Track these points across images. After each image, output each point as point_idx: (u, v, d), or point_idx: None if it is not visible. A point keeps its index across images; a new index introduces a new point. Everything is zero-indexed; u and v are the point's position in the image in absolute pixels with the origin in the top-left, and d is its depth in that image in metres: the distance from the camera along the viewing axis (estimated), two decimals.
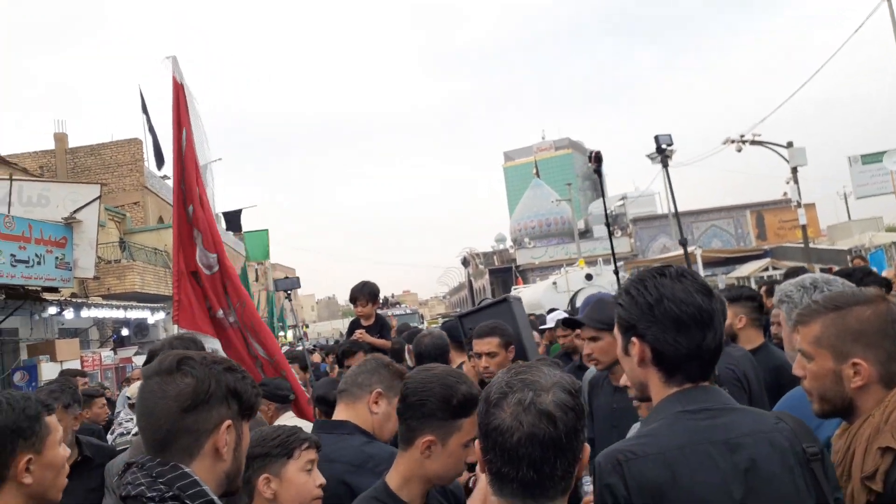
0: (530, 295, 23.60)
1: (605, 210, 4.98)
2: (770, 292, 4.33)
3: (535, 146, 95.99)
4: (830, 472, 1.61)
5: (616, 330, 1.72)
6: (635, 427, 1.96)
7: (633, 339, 1.64)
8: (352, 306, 5.61)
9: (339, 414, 2.52)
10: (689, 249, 26.17)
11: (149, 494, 1.42)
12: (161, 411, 1.49)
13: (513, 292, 31.62)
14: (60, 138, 26.79)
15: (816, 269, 21.52)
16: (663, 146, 3.24)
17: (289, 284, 5.37)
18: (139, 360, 18.26)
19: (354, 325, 5.53)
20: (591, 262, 31.27)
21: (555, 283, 23.43)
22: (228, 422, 1.53)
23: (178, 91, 4.70)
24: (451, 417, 1.90)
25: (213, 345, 4.38)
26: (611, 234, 5.30)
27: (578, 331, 3.55)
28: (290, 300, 5.48)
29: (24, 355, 15.47)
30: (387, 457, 2.18)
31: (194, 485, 1.45)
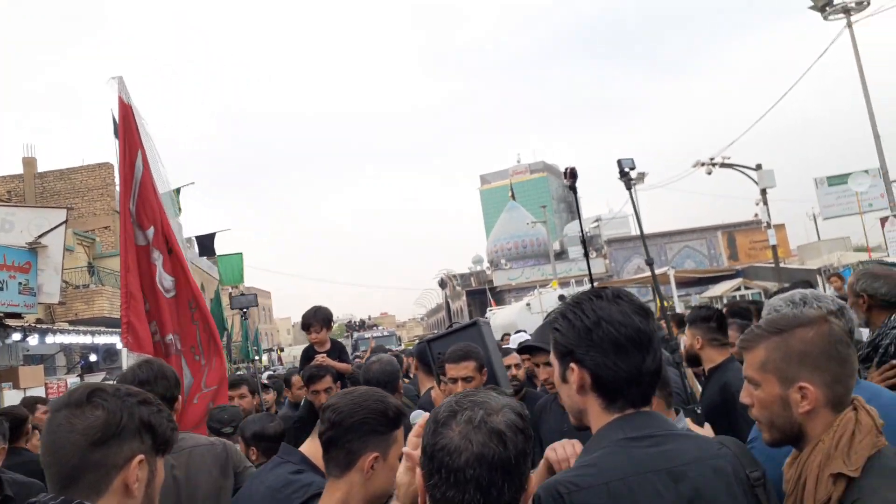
0: (505, 316, 23.63)
1: (581, 229, 4.96)
2: (733, 314, 4.37)
3: (510, 169, 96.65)
4: (773, 498, 1.57)
5: (553, 356, 1.67)
6: None
7: (572, 364, 1.58)
8: (308, 335, 5.44)
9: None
10: (663, 270, 26.61)
11: None
12: (68, 445, 1.41)
13: (488, 314, 31.71)
14: (29, 162, 26.44)
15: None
16: (626, 169, 3.24)
17: (244, 302, 5.12)
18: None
19: (309, 352, 5.41)
20: (565, 283, 31.45)
21: (528, 305, 23.60)
22: (140, 457, 1.46)
23: (127, 112, 4.61)
24: (390, 430, 1.92)
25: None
26: (587, 254, 5.26)
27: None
28: (245, 318, 5.21)
29: None
30: (306, 483, 2.13)
31: None
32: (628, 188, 3.24)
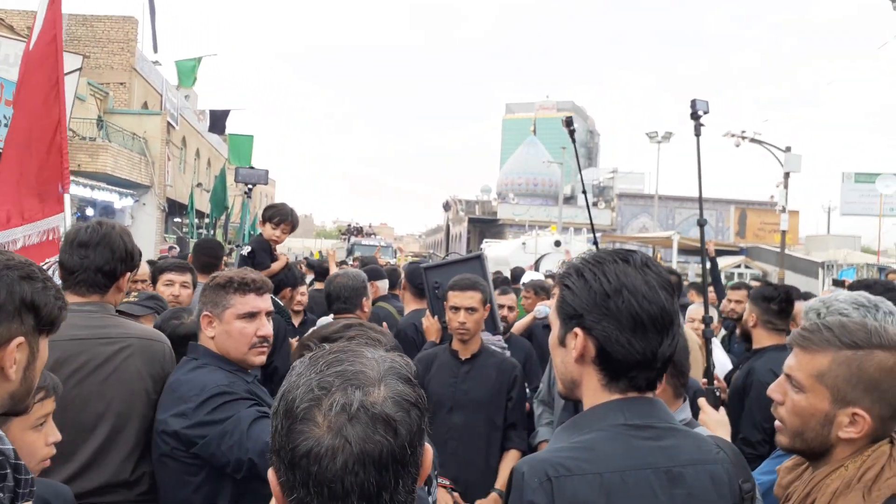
0: (499, 251, 23.76)
1: (582, 175, 4.75)
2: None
3: (537, 104, 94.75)
4: None
5: (553, 314, 1.45)
6: None
7: (577, 329, 1.36)
8: (272, 226, 4.67)
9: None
10: (668, 234, 26.31)
11: None
12: None
13: (483, 245, 31.67)
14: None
15: (786, 274, 21.74)
16: (699, 112, 2.96)
17: (251, 177, 4.59)
18: None
19: (265, 246, 4.71)
20: (565, 228, 31.32)
21: (524, 244, 23.76)
22: (20, 339, 1.30)
23: None
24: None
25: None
26: (588, 204, 5.07)
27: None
28: (248, 196, 4.69)
29: None
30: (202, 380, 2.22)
31: None
32: (697, 134, 2.98)
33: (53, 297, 1.37)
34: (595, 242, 4.74)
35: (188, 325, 2.85)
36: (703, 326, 2.98)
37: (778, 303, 3.36)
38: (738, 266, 28.87)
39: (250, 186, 4.40)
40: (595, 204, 54.19)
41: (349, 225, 47.32)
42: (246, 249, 4.59)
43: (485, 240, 35.31)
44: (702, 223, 3.04)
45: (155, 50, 26.18)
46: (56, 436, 1.77)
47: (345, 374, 0.95)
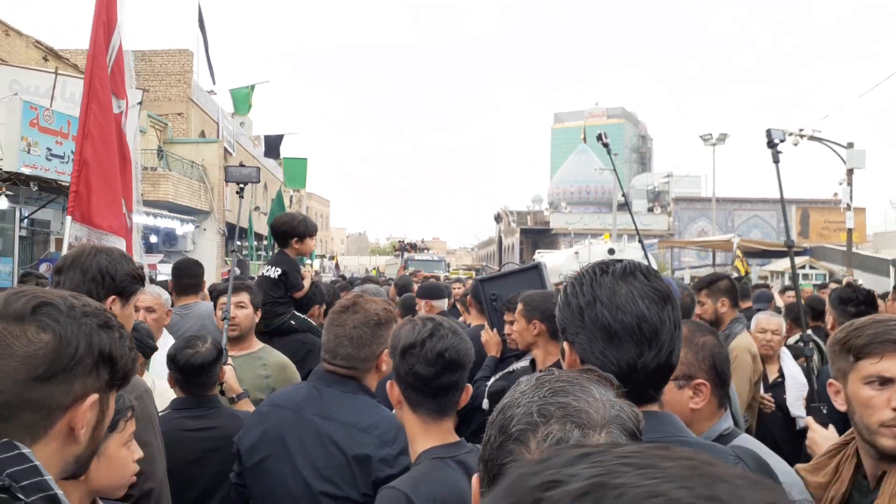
0: (551, 261, 23.55)
1: (619, 178, 4.68)
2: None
3: (586, 111, 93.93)
4: None
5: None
6: None
7: (564, 343, 1.39)
8: (294, 242, 4.41)
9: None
10: (728, 237, 25.65)
11: None
12: (1, 374, 1.07)
13: (536, 256, 31.42)
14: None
15: (855, 273, 20.92)
16: (775, 140, 2.93)
17: (241, 175, 4.12)
18: (164, 268, 18.53)
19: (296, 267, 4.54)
20: (621, 235, 30.87)
21: (577, 253, 23.41)
22: (95, 397, 1.15)
23: None
24: None
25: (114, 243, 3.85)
26: (630, 210, 5.01)
27: None
28: (240, 196, 4.22)
29: (52, 248, 15.74)
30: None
31: (33, 472, 1.05)
32: (775, 161, 2.95)
33: (129, 349, 1.23)
34: (643, 249, 4.67)
35: (203, 353, 2.69)
36: (774, 338, 2.91)
37: (856, 305, 3.25)
38: (803, 267, 27.91)
39: (242, 186, 4.11)
40: (651, 209, 53.27)
41: (402, 241, 47.75)
42: (274, 272, 4.27)
43: (537, 250, 35.08)
44: (789, 245, 2.97)
45: (213, 82, 27.14)
46: (139, 453, 1.75)
47: (567, 409, 0.92)
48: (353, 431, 2.05)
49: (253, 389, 3.26)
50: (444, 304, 5.34)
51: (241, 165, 4.60)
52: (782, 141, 2.90)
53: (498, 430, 0.94)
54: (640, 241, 4.51)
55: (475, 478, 0.98)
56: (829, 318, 3.33)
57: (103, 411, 1.20)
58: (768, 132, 2.89)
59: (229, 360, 3.16)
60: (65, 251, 3.79)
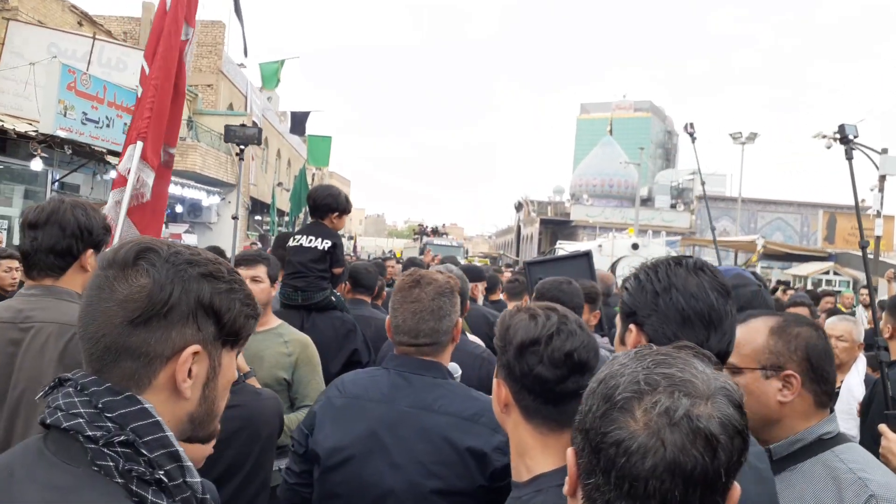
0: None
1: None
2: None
3: (613, 103, 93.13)
4: None
5: (619, 316, 1.59)
6: None
7: (631, 326, 1.51)
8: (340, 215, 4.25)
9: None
10: (752, 238, 25.35)
11: (89, 432, 1.01)
12: (102, 317, 1.07)
13: (557, 247, 31.24)
14: (148, 7, 26.82)
15: (879, 282, 20.66)
16: (849, 136, 2.87)
17: (241, 136, 3.88)
18: (189, 238, 18.69)
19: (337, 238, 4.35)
20: (644, 231, 30.67)
21: (600, 246, 23.34)
22: (196, 347, 1.10)
23: None
24: None
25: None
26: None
27: None
28: (240, 159, 3.92)
29: None
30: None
31: (155, 428, 1.04)
32: (848, 157, 2.89)
33: (240, 303, 1.16)
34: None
35: None
36: (840, 344, 2.85)
37: None
38: (827, 272, 27.62)
39: (242, 147, 3.84)
40: (674, 206, 52.90)
41: (421, 225, 47.73)
42: (323, 243, 4.08)
43: (559, 241, 34.95)
44: (863, 245, 2.91)
45: (245, 54, 27.04)
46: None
47: (673, 378, 0.92)
48: (460, 422, 1.95)
49: (276, 368, 3.14)
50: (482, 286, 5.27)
51: (243, 126, 4.31)
52: (856, 137, 2.83)
53: (601, 398, 0.93)
54: (715, 233, 4.43)
55: (570, 451, 0.97)
56: (886, 327, 3.25)
57: (214, 368, 1.15)
58: (841, 127, 2.82)
59: None
60: (129, 189, 3.55)
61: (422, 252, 32.09)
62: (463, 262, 21.93)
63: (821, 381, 1.70)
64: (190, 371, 1.10)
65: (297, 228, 29.05)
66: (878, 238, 21.89)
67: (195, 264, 1.13)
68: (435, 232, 42.95)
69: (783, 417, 1.69)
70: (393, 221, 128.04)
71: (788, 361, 1.69)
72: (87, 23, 20.39)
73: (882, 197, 20.82)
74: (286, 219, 31.06)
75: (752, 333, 1.74)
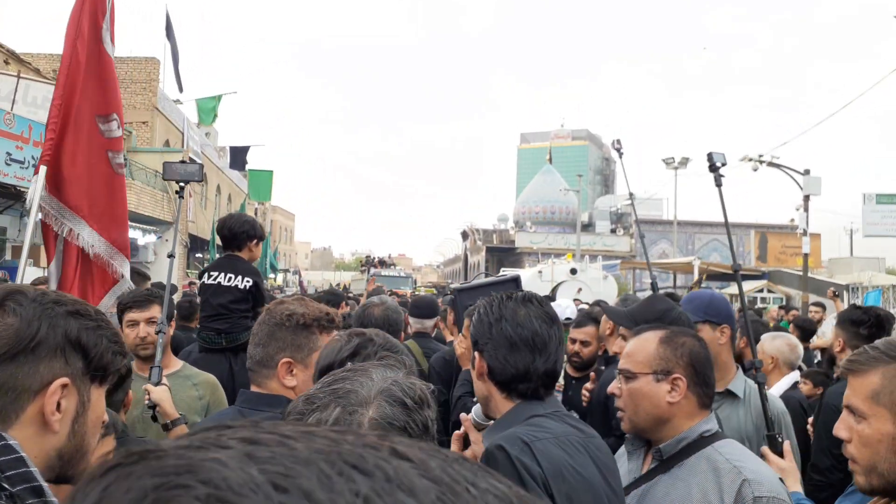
0: None
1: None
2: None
3: (552, 132, 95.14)
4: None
5: None
6: None
7: (475, 353, 1.76)
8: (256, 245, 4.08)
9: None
10: (689, 259, 26.15)
11: None
12: None
13: (501, 272, 31.47)
14: None
15: (811, 298, 21.48)
16: (717, 164, 2.99)
17: (182, 172, 3.60)
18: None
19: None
20: (593, 255, 31.22)
21: (540, 272, 23.69)
22: (63, 380, 1.13)
23: None
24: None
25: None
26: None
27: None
28: (180, 196, 3.70)
29: (8, 255, 15.33)
30: None
31: (18, 463, 1.04)
32: (717, 185, 3.00)
33: (108, 340, 1.21)
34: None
35: None
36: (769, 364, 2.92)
37: (868, 327, 3.21)
38: (761, 290, 28.55)
39: (181, 185, 3.63)
40: (613, 231, 54.02)
41: (368, 256, 47.46)
42: (243, 282, 3.87)
43: (502, 269, 35.26)
44: (736, 268, 3.03)
45: (180, 90, 26.78)
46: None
47: (337, 392, 1.00)
48: None
49: (188, 412, 2.92)
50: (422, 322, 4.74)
51: (183, 162, 4.05)
52: (723, 164, 2.97)
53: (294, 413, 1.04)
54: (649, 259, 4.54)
55: None
56: (836, 341, 3.33)
57: (84, 402, 1.18)
58: (709, 156, 2.95)
59: (164, 381, 2.76)
60: (31, 218, 3.29)
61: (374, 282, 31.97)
62: (410, 292, 21.82)
63: (703, 384, 1.89)
64: (60, 405, 1.13)
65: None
66: (805, 255, 22.82)
67: (62, 304, 1.18)
68: (382, 263, 42.78)
69: (672, 417, 1.86)
70: (340, 254, 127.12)
71: (675, 367, 1.88)
72: (14, 61, 19.85)
73: (807, 216, 21.72)
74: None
75: (644, 343, 1.95)
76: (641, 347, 1.95)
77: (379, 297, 4.10)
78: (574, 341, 4.18)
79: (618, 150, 4.84)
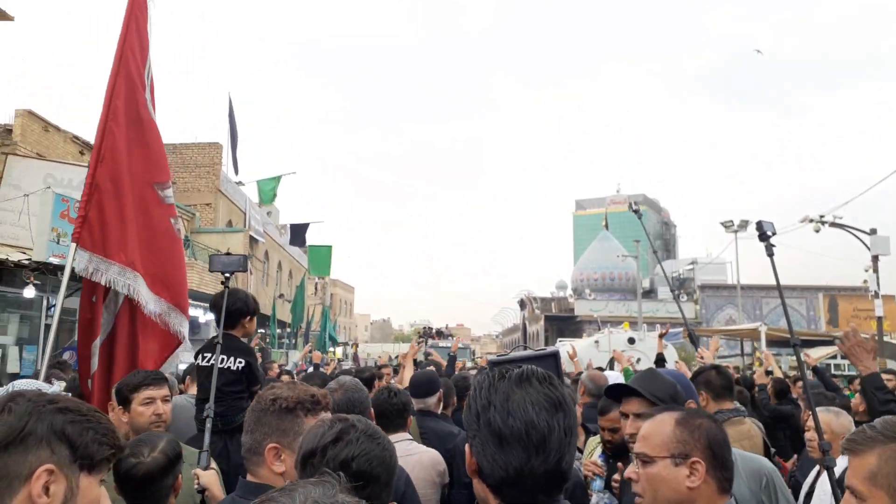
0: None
1: (664, 270, 4.69)
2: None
3: (608, 198, 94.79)
4: None
5: None
6: None
7: (466, 446, 1.43)
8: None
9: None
10: (755, 325, 25.13)
11: None
12: None
13: (557, 344, 30.92)
14: None
15: (888, 364, 20.30)
16: (767, 233, 2.95)
17: (226, 264, 3.72)
18: (186, 357, 18.57)
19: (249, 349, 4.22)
20: (650, 323, 30.48)
21: (597, 342, 23.10)
22: (48, 466, 1.26)
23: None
24: None
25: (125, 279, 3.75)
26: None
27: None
28: (225, 287, 3.77)
29: (77, 336, 15.90)
30: None
31: None
32: (769, 255, 2.96)
33: (94, 431, 1.34)
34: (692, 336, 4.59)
35: (148, 463, 2.33)
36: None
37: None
38: (834, 357, 27.15)
39: (227, 275, 3.70)
40: (676, 297, 52.78)
41: (426, 328, 47.45)
42: (235, 363, 3.90)
43: (559, 339, 34.68)
44: (795, 343, 2.93)
45: (236, 172, 27.98)
46: None
47: None
48: None
49: (187, 495, 2.74)
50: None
51: (228, 254, 4.15)
52: (773, 234, 2.90)
53: None
54: (688, 328, 4.44)
55: None
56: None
57: (72, 489, 1.29)
58: (759, 224, 2.89)
59: (213, 465, 2.79)
60: (64, 284, 3.74)
61: (427, 356, 31.78)
62: (471, 364, 21.44)
63: (722, 467, 1.82)
64: (49, 490, 1.26)
65: (299, 339, 28.79)
66: (879, 318, 21.71)
67: (54, 402, 1.34)
68: (440, 334, 42.68)
69: (691, 502, 1.78)
70: (399, 325, 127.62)
71: (693, 450, 1.80)
72: (89, 151, 21.16)
73: (878, 277, 20.80)
74: (288, 330, 31.05)
75: (660, 426, 1.87)
76: (657, 430, 1.88)
77: (335, 380, 3.86)
78: (603, 429, 4.00)
79: (636, 211, 4.78)
